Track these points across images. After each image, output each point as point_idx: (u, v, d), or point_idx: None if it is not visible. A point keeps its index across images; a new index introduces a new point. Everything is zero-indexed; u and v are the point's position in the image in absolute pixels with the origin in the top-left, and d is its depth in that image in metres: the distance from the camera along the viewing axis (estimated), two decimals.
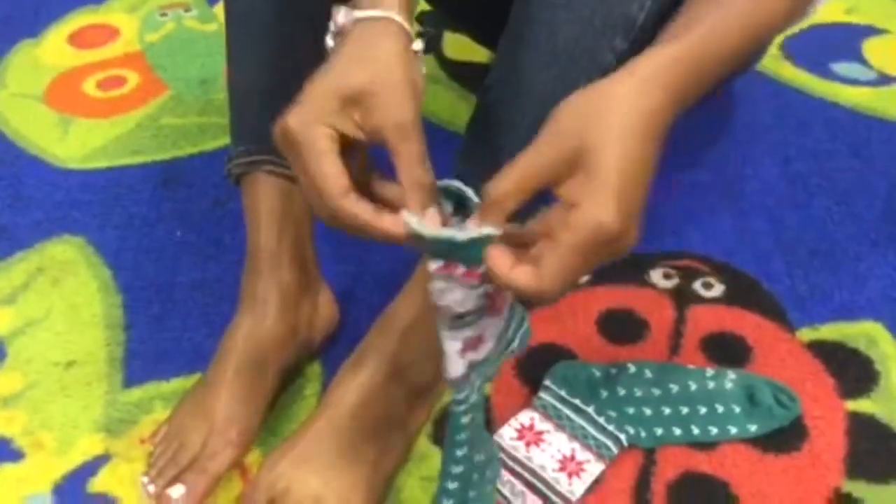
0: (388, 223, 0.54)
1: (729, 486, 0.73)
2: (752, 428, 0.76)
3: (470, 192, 0.55)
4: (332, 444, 0.72)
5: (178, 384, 0.81)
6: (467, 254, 0.52)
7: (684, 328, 0.84)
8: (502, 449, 0.75)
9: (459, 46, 1.21)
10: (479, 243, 0.51)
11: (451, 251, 0.52)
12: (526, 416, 0.77)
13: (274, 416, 0.79)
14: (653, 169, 0.51)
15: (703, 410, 0.77)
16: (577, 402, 0.78)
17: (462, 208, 0.56)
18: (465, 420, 0.61)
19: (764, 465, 0.74)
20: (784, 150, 1.03)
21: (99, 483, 0.75)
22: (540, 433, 0.76)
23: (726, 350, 0.82)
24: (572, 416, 0.77)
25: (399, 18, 0.56)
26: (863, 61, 1.15)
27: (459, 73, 1.17)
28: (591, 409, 0.77)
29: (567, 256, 0.48)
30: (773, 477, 0.73)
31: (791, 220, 0.95)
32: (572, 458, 0.74)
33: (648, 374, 0.80)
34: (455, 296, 0.54)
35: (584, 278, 0.51)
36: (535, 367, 0.81)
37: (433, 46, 1.23)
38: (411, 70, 0.55)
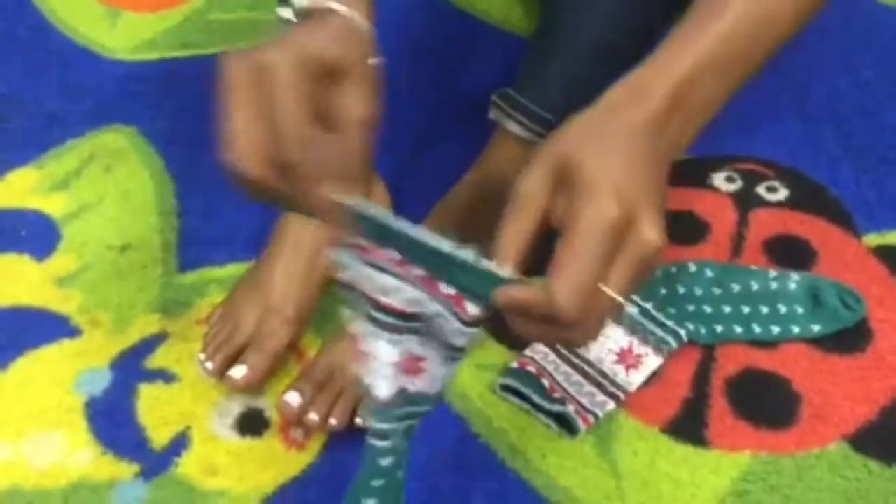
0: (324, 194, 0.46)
1: (791, 382, 0.72)
2: (816, 328, 0.75)
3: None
4: None
5: (232, 270, 0.81)
6: (468, 281, 0.47)
7: (747, 231, 0.83)
8: None
9: None
10: (487, 279, 0.46)
11: (444, 269, 0.47)
12: None
13: (329, 301, 0.78)
14: (653, 163, 0.47)
15: (765, 310, 0.76)
16: (635, 298, 0.77)
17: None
18: (384, 463, 0.53)
19: (827, 365, 0.73)
20: (852, 57, 0.99)
21: (156, 360, 0.75)
22: None
23: (790, 253, 0.81)
24: (631, 310, 0.76)
25: (365, 24, 0.52)
26: None
27: None
28: (649, 306, 0.76)
29: (573, 261, 0.42)
30: (837, 376, 0.72)
31: (859, 128, 0.92)
32: (630, 350, 0.73)
33: (709, 273, 0.78)
34: (410, 294, 0.48)
35: (631, 305, 0.44)
36: None
37: None
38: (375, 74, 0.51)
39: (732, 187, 0.86)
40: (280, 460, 0.69)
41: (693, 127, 0.51)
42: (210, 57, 1.04)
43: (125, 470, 0.69)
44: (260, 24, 1.07)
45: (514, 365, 0.73)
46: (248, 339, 0.72)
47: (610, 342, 0.74)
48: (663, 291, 0.77)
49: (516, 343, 0.75)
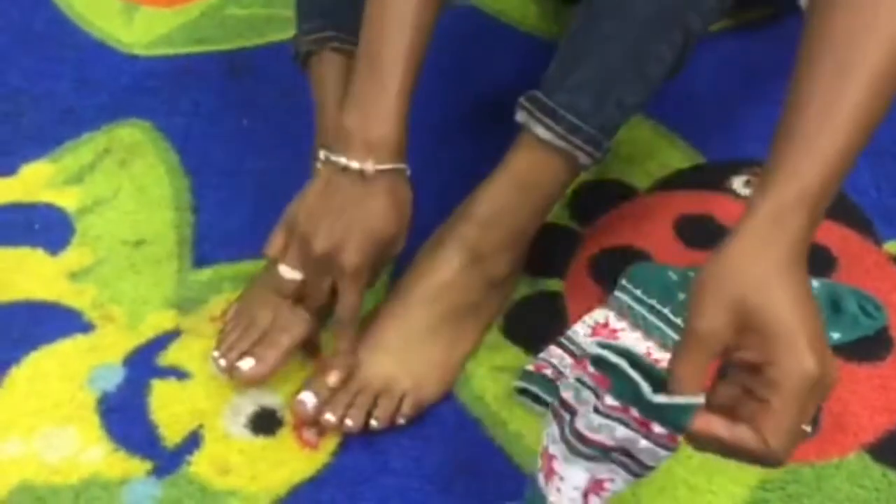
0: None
1: None
2: (836, 335, 0.74)
3: (645, 359, 0.53)
4: (406, 327, 0.71)
5: (247, 267, 0.81)
6: (663, 415, 0.50)
7: None
8: (575, 345, 0.73)
9: None
10: (681, 411, 0.50)
11: (643, 407, 0.51)
12: (601, 314, 0.76)
13: None
14: (806, 282, 0.50)
15: None
16: (653, 302, 0.76)
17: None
18: None
19: (847, 373, 0.72)
20: None
21: (170, 356, 0.75)
22: (615, 331, 0.75)
23: (810, 259, 0.78)
24: (648, 315, 0.75)
25: (407, 170, 0.70)
26: None
27: None
28: (667, 311, 0.75)
29: (785, 414, 0.47)
30: (856, 385, 0.71)
31: (879, 132, 0.90)
32: (648, 355, 0.73)
33: None
34: (620, 433, 0.51)
35: (808, 429, 0.50)
36: (611, 267, 0.79)
37: None
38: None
39: (751, 191, 0.86)
40: (293, 460, 0.68)
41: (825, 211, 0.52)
42: (225, 52, 1.04)
43: (137, 467, 0.68)
44: (275, 20, 1.07)
45: (531, 368, 0.72)
46: (261, 336, 0.72)
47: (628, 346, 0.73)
48: (681, 297, 0.76)
49: (532, 346, 0.74)
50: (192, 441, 0.70)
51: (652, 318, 0.75)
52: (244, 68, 1.01)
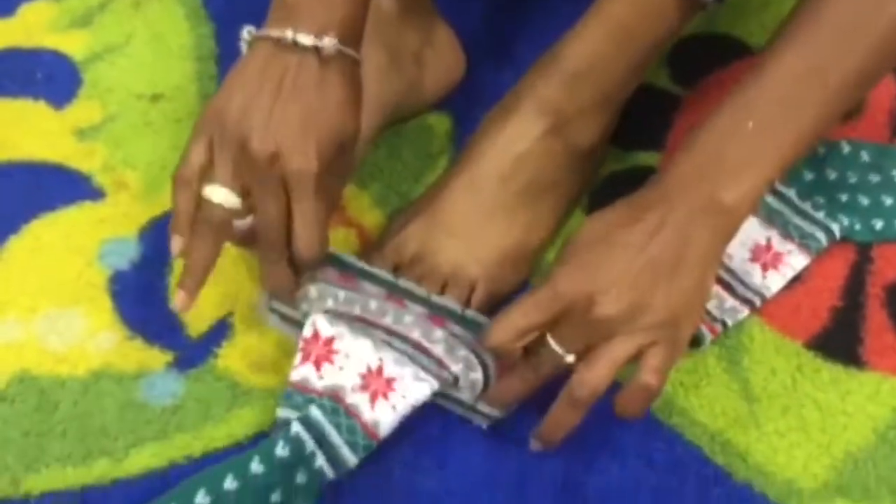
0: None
1: None
2: None
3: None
4: (475, 205, 0.60)
5: None
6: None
7: None
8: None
9: None
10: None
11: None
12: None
13: (395, 174, 0.66)
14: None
15: None
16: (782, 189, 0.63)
17: None
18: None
19: None
20: None
21: None
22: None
23: None
24: (768, 198, 0.62)
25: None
26: None
27: None
28: (792, 193, 0.63)
29: (514, 308, 0.51)
30: None
31: None
32: (768, 247, 0.60)
33: (865, 156, 0.65)
34: (408, 319, 0.55)
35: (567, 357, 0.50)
36: None
37: None
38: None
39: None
40: None
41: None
42: None
43: (155, 358, 0.59)
44: None
45: None
46: None
47: (742, 235, 0.60)
48: (809, 176, 0.63)
49: None
50: (220, 331, 0.60)
51: (773, 201, 0.62)
52: None
